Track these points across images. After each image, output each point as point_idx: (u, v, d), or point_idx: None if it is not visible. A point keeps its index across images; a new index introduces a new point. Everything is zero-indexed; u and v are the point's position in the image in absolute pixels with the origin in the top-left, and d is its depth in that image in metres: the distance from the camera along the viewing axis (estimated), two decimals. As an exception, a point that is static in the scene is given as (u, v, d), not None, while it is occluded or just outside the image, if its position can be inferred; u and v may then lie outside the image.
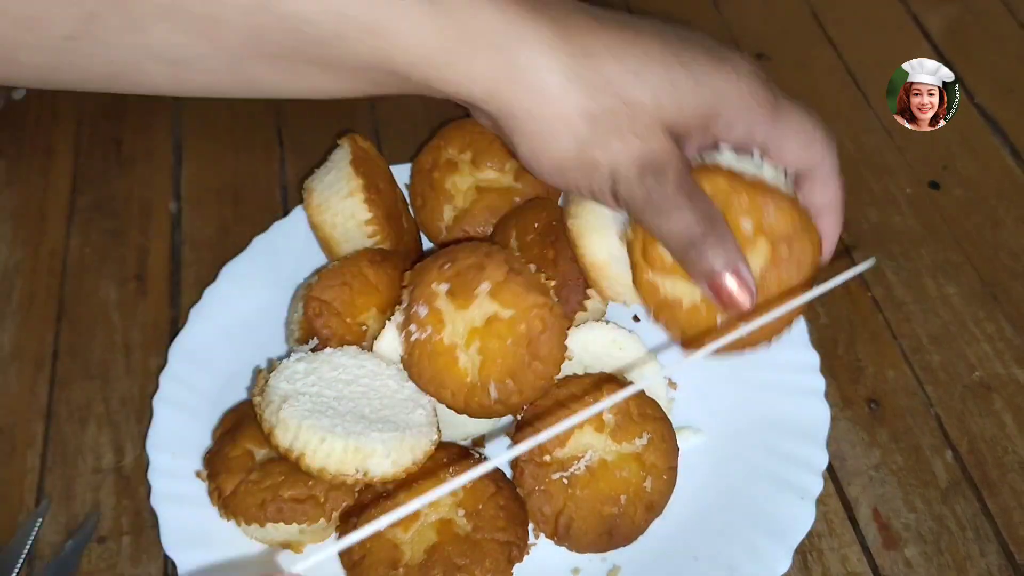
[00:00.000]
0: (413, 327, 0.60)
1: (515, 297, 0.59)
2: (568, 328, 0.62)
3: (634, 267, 0.59)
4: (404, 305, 0.62)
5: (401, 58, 0.53)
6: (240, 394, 0.66)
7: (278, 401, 0.56)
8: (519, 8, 0.52)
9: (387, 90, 0.57)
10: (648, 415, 0.61)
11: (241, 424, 0.61)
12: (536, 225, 0.68)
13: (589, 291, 0.66)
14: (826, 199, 0.59)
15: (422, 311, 0.60)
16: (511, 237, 0.69)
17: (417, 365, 0.60)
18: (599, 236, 0.62)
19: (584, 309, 0.66)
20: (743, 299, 0.52)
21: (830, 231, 0.59)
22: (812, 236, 0.57)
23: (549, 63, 0.52)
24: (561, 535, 0.59)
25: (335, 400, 0.58)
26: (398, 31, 0.51)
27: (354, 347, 0.62)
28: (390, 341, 0.62)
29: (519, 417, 0.62)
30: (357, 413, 0.58)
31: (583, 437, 0.60)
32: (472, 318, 0.59)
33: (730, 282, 0.52)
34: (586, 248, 0.63)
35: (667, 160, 0.53)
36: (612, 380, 0.62)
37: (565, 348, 0.60)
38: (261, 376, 0.59)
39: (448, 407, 0.61)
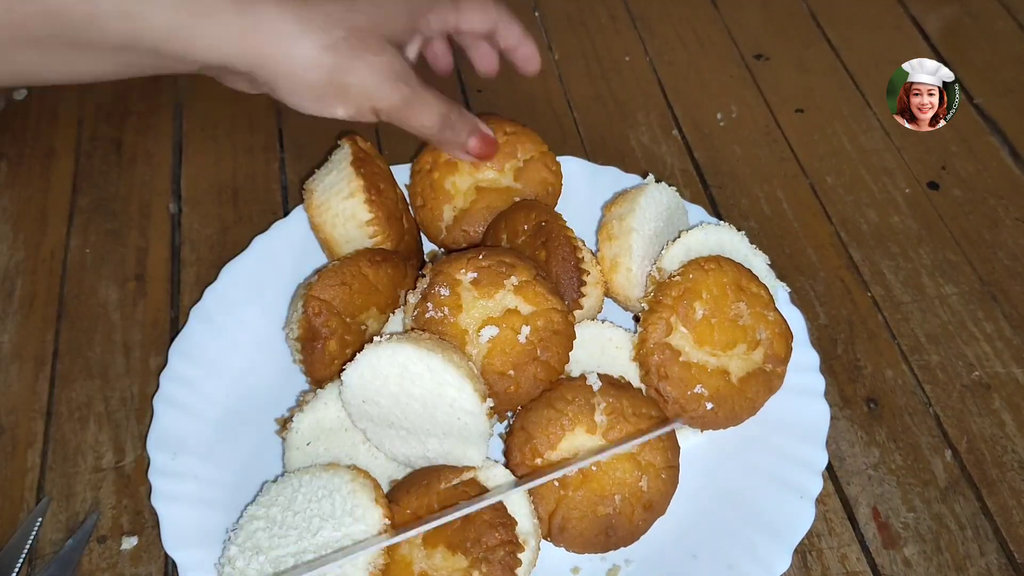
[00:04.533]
0: (430, 305, 0.62)
1: (538, 296, 0.62)
2: (574, 339, 0.63)
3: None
4: (424, 285, 0.63)
5: (151, 36, 0.62)
6: (241, 393, 0.67)
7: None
8: None
9: (146, 70, 0.68)
10: (643, 414, 0.61)
11: None
12: (525, 227, 0.68)
13: (584, 290, 0.66)
14: (513, 36, 0.77)
15: (443, 292, 0.62)
16: (501, 241, 0.69)
17: None
18: (630, 262, 0.68)
19: (580, 307, 0.66)
20: (491, 149, 0.72)
21: (529, 50, 0.78)
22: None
23: (283, 15, 0.64)
24: (555, 535, 0.59)
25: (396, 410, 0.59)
26: (143, 12, 0.61)
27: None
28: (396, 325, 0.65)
29: (511, 420, 0.63)
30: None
31: (575, 439, 0.60)
32: (491, 308, 0.61)
33: (479, 141, 0.71)
34: (618, 272, 0.68)
35: (403, 66, 0.68)
36: (613, 382, 0.63)
37: (568, 359, 0.62)
38: (291, 415, 0.61)
39: None
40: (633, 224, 0.68)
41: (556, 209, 0.76)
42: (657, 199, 0.70)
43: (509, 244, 0.69)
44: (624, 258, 0.68)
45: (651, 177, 0.74)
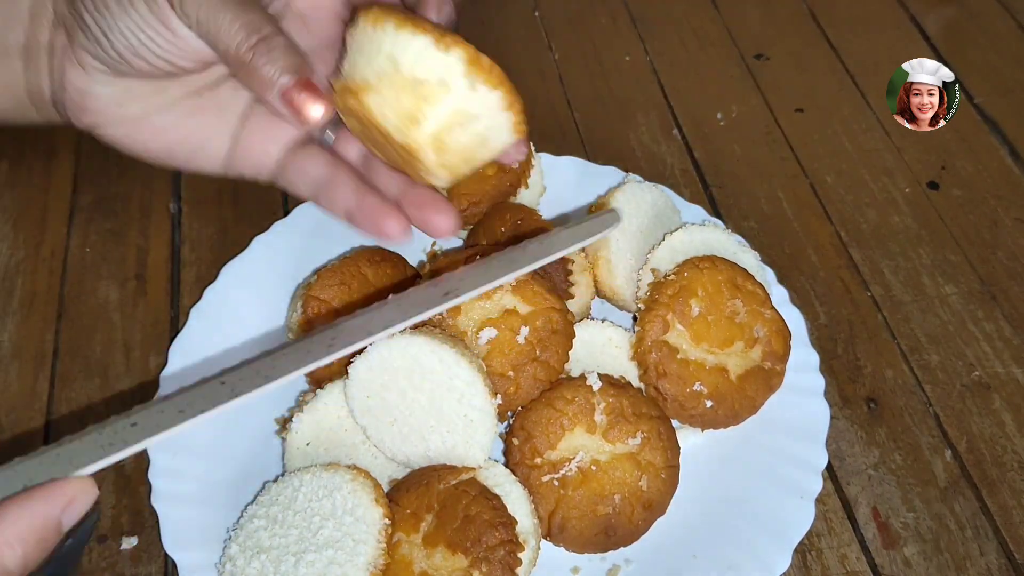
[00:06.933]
0: None
1: (536, 296, 0.61)
2: (573, 338, 0.63)
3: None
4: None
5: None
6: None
7: None
8: None
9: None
10: (643, 414, 0.61)
11: None
12: (503, 230, 0.69)
13: (572, 278, 0.67)
14: None
15: None
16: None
17: None
18: (610, 254, 0.68)
19: (571, 296, 0.67)
20: (314, 107, 0.48)
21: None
22: None
23: None
24: (555, 535, 0.59)
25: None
26: None
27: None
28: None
29: (511, 420, 0.63)
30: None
31: (575, 439, 0.60)
32: (489, 310, 0.61)
33: (296, 92, 0.48)
34: (599, 266, 0.69)
35: None
36: (613, 382, 0.63)
37: (567, 358, 0.62)
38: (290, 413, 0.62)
39: None
40: None
41: (556, 211, 0.76)
42: (638, 196, 0.70)
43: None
44: (603, 251, 0.68)
45: (631, 175, 0.74)
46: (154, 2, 0.49)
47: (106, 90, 0.53)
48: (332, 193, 0.54)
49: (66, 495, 0.44)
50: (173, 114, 0.55)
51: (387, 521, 0.56)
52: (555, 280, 0.66)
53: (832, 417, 0.65)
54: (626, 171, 0.78)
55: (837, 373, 0.72)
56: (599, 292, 0.70)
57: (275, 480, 0.59)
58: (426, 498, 0.57)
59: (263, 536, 0.56)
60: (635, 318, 0.68)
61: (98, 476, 0.65)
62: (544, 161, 0.77)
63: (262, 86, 0.49)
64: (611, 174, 0.78)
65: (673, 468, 0.61)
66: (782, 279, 0.72)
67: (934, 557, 0.63)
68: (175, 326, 0.73)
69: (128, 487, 0.65)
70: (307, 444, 0.61)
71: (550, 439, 0.60)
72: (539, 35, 0.98)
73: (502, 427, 0.65)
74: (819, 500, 0.62)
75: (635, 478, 0.59)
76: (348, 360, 0.61)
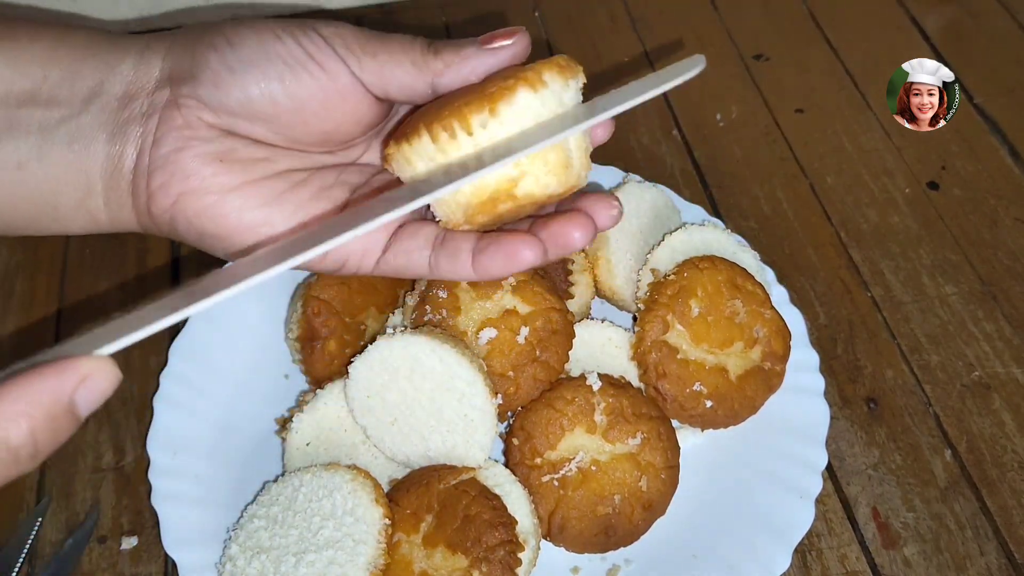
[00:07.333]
0: (428, 308, 0.62)
1: (536, 296, 0.62)
2: (573, 338, 0.63)
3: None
4: (422, 287, 0.63)
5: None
6: (241, 393, 0.67)
7: None
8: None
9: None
10: (643, 414, 0.61)
11: None
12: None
13: (571, 278, 0.68)
14: None
15: (441, 294, 0.62)
16: None
17: None
18: (609, 253, 0.69)
19: (571, 296, 0.67)
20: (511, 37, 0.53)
21: None
22: None
23: None
24: (555, 535, 0.59)
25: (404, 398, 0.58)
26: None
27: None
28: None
29: (511, 420, 0.63)
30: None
31: (575, 439, 0.60)
32: (489, 310, 0.61)
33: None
34: (599, 265, 0.69)
35: None
36: (613, 382, 0.63)
37: (567, 358, 0.62)
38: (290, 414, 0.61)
39: None
40: None
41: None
42: (638, 196, 0.71)
43: None
44: (603, 251, 0.69)
45: (631, 175, 0.74)
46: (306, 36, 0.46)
47: (206, 147, 0.47)
48: (453, 243, 0.49)
49: (78, 371, 0.37)
50: (272, 186, 0.49)
51: (387, 521, 0.56)
52: (555, 280, 0.66)
53: (832, 417, 0.65)
54: (626, 171, 0.78)
55: (837, 373, 0.72)
56: (599, 292, 0.70)
57: (275, 480, 0.59)
58: (426, 498, 0.57)
59: (263, 536, 0.56)
60: (635, 318, 0.68)
61: (98, 476, 0.65)
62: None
63: (456, 48, 0.50)
64: (611, 174, 0.78)
65: (673, 468, 0.61)
66: (782, 279, 0.72)
67: (934, 557, 0.63)
68: (175, 326, 0.73)
69: (128, 487, 0.65)
70: (307, 444, 0.61)
71: (550, 439, 0.60)
72: (539, 35, 0.97)
73: (502, 427, 0.65)
74: (819, 500, 0.62)
75: (635, 478, 0.59)
76: (348, 360, 0.61)
